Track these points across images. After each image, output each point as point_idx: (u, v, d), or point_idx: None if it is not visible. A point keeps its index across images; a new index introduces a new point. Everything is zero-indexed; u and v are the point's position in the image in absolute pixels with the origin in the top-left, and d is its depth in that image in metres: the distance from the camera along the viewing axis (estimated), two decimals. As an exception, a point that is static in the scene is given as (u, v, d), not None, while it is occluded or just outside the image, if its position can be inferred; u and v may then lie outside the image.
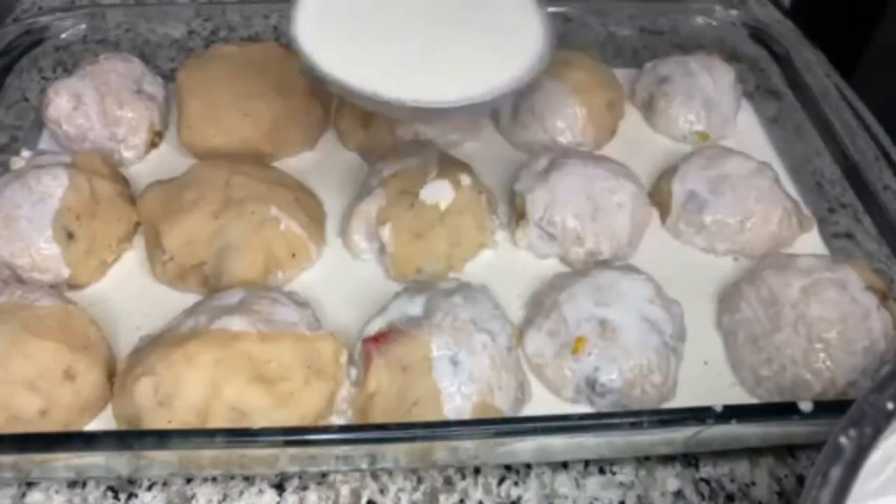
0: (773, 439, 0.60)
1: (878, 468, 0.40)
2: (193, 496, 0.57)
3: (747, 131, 0.86)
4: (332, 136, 0.82)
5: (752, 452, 0.61)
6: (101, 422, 0.58)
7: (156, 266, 0.68)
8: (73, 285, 0.67)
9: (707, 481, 0.59)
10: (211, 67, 0.79)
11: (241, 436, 0.51)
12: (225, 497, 0.57)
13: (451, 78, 0.57)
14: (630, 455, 0.60)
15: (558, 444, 0.56)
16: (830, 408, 0.53)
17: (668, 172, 0.76)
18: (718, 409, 0.52)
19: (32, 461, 0.53)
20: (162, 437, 0.50)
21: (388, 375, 0.57)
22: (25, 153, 0.71)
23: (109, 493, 0.57)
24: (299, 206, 0.70)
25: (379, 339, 0.59)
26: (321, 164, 0.79)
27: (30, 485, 0.57)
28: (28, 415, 0.55)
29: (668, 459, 0.60)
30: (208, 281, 0.66)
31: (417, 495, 0.58)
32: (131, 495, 0.57)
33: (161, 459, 0.53)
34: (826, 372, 0.59)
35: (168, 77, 0.84)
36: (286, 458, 0.54)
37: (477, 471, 0.59)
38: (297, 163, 0.79)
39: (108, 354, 0.61)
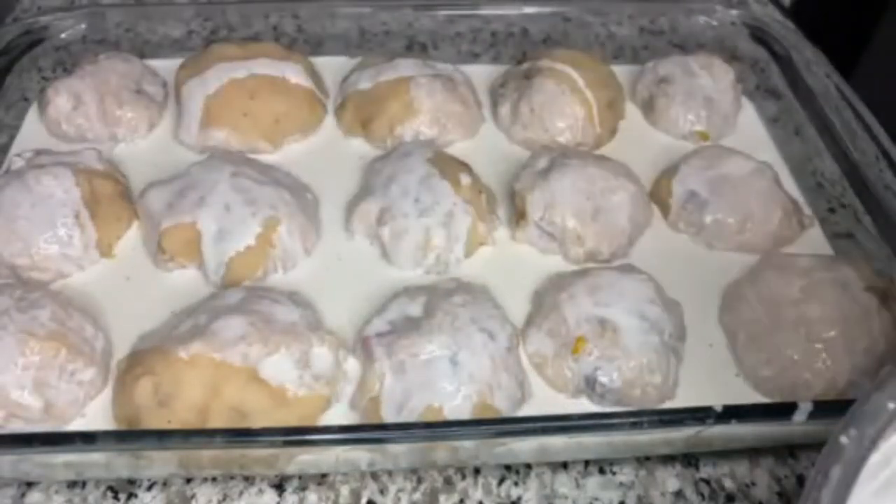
0: (774, 439, 0.60)
1: (879, 468, 0.39)
2: (193, 496, 0.57)
3: (747, 131, 0.86)
4: (332, 135, 0.82)
5: (752, 452, 0.61)
6: (100, 421, 0.58)
7: (155, 265, 0.68)
8: (72, 284, 0.66)
9: (707, 481, 0.59)
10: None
11: (241, 436, 0.51)
12: (225, 497, 0.57)
13: None
14: (630, 455, 0.60)
15: (558, 444, 0.56)
16: (830, 408, 0.53)
17: (668, 172, 0.76)
18: (718, 409, 0.52)
19: (32, 461, 0.53)
20: (162, 437, 0.50)
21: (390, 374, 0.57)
22: (26, 153, 0.71)
23: (109, 493, 0.57)
24: (299, 206, 0.70)
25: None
26: (321, 162, 0.79)
27: (30, 485, 0.57)
28: (27, 414, 0.55)
29: (668, 459, 0.60)
30: (208, 281, 0.66)
31: (417, 495, 0.58)
32: (131, 495, 0.57)
33: (161, 459, 0.53)
34: (826, 372, 0.59)
35: (167, 77, 0.84)
36: (286, 458, 0.54)
37: (477, 471, 0.59)
38: (296, 161, 0.79)
39: (106, 354, 0.61)
